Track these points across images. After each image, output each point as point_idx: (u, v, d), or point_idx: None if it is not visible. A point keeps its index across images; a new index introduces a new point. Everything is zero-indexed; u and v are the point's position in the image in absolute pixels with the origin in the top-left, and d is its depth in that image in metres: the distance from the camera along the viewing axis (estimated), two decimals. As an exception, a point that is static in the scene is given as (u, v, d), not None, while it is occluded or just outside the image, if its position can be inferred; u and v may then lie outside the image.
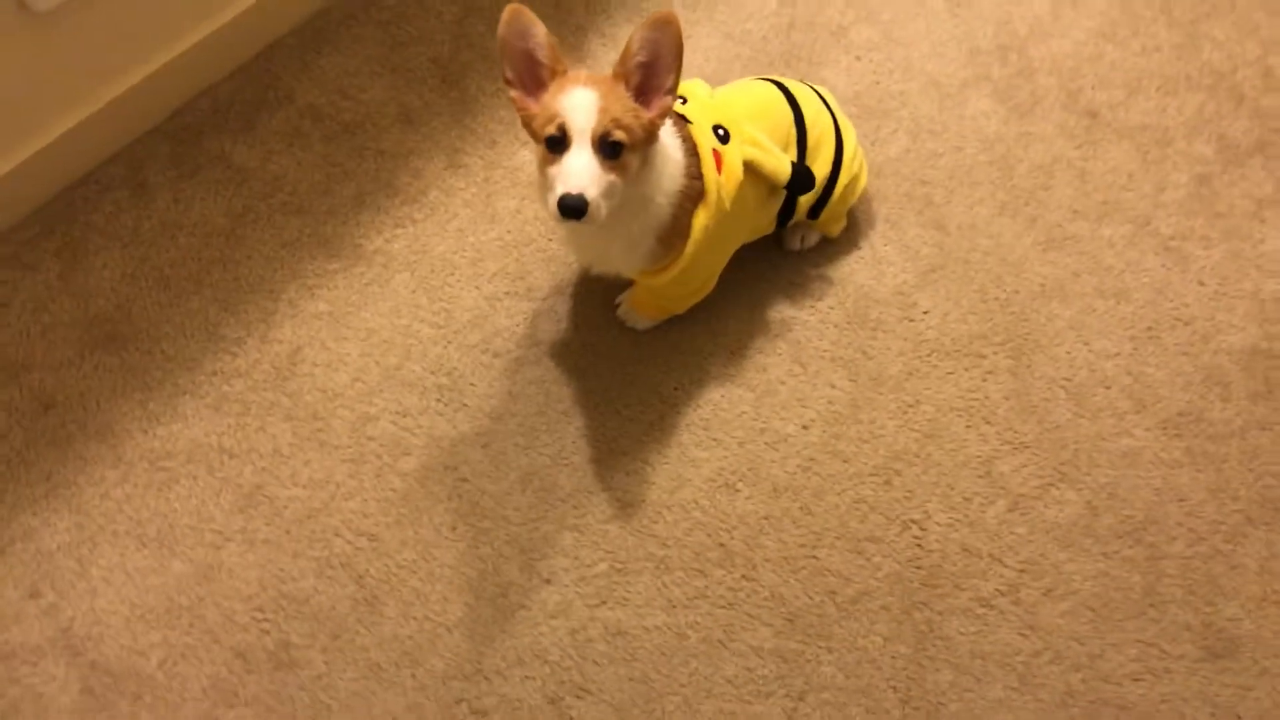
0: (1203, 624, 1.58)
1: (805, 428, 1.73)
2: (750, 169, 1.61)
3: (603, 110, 1.40)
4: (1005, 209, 1.92)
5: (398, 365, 1.78)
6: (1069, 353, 1.78)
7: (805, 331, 1.80)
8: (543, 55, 1.45)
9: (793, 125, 1.69)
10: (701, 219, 1.57)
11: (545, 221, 1.89)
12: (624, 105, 1.42)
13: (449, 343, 1.80)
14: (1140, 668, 1.56)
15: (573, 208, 1.39)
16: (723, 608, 1.60)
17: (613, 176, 1.42)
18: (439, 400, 1.75)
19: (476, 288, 1.84)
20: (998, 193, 1.93)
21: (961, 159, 1.97)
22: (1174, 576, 1.61)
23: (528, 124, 1.49)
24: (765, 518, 1.66)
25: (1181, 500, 1.67)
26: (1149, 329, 1.80)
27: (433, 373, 1.77)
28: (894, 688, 1.55)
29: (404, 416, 1.73)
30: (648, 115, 1.44)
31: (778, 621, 1.59)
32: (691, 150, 1.56)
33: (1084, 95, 2.04)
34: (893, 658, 1.56)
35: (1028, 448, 1.71)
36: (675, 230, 1.57)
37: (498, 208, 1.91)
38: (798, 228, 1.85)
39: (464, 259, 1.87)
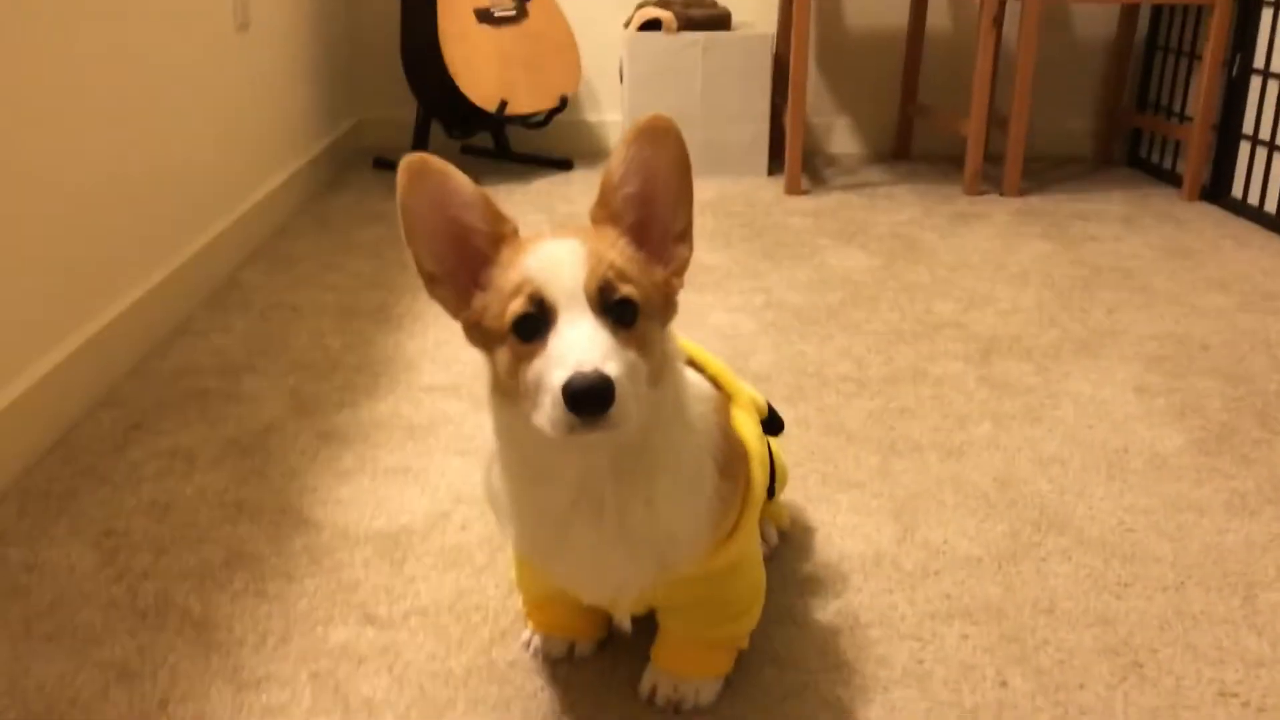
0: None
1: (1004, 684, 1.13)
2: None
3: (593, 255, 0.89)
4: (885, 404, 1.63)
5: None
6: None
7: (869, 614, 1.25)
8: (476, 219, 0.93)
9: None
10: (742, 419, 1.09)
11: (461, 655, 1.14)
12: (622, 251, 0.92)
13: None
14: None
15: (590, 390, 0.81)
16: None
17: (632, 352, 0.87)
18: None
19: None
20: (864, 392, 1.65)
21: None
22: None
23: (475, 323, 0.93)
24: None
25: None
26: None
27: None
28: None
29: None
30: (662, 272, 0.95)
31: None
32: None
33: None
34: None
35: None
36: (729, 448, 1.03)
37: (355, 699, 1.12)
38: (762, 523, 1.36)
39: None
